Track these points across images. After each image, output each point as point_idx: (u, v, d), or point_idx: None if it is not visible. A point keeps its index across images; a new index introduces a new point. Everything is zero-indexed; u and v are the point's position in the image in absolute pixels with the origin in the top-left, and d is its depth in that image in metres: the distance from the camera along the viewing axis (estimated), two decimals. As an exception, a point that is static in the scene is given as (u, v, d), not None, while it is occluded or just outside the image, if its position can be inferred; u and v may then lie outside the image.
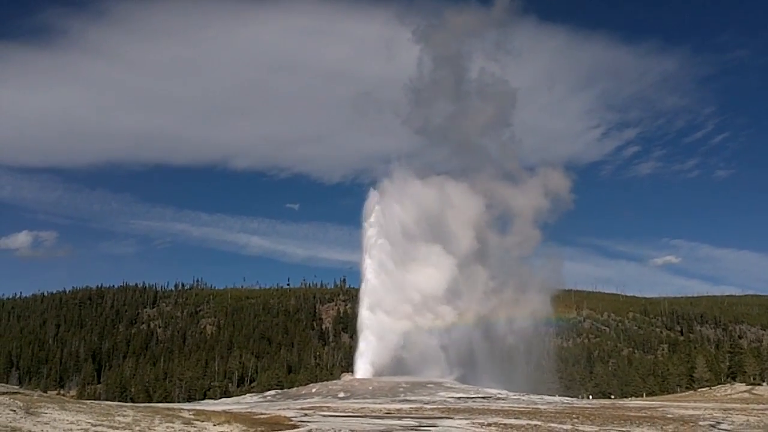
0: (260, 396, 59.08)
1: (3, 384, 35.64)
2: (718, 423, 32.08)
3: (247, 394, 68.31)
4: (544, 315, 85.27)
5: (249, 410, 35.71)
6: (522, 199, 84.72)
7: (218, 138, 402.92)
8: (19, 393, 26.11)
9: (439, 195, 78.27)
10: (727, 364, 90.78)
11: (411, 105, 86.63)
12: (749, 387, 67.74)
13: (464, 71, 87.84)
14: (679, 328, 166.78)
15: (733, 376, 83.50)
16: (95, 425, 20.46)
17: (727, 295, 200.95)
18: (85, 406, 25.16)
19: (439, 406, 39.98)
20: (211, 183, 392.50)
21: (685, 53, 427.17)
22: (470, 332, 77.22)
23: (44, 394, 31.78)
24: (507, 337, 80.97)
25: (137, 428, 21.16)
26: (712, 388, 71.56)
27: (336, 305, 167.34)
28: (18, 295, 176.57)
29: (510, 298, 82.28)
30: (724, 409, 39.65)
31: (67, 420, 20.61)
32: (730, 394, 62.43)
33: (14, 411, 20.52)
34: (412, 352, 69.41)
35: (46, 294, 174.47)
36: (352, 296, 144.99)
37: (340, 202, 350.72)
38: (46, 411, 21.50)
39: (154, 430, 21.40)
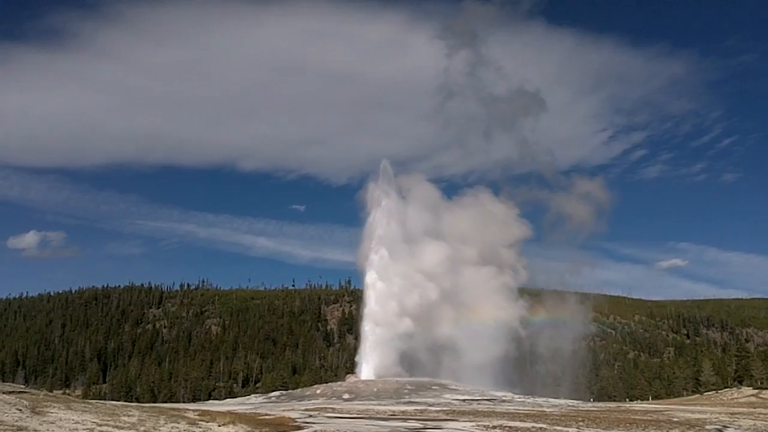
0: (265, 397, 59.12)
1: (9, 383, 35.72)
2: (725, 427, 31.93)
3: (252, 395, 68.37)
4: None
5: (254, 411, 35.72)
6: (569, 207, 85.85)
7: (225, 139, 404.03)
8: (25, 392, 26.16)
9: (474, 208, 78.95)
10: (734, 367, 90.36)
11: (435, 102, 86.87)
12: (756, 391, 67.43)
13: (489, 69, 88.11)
14: (686, 332, 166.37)
15: (740, 380, 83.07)
16: (101, 425, 20.47)
17: (734, 299, 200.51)
18: (90, 406, 25.20)
19: (444, 408, 39.92)
20: (219, 184, 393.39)
21: (692, 57, 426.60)
22: (475, 334, 77.27)
23: (50, 394, 31.85)
24: (523, 340, 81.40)
25: (142, 428, 21.17)
26: (719, 391, 71.29)
27: (341, 306, 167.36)
28: (24, 295, 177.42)
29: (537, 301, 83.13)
30: (731, 413, 39.47)
31: (73, 420, 20.63)
32: (737, 398, 62.19)
33: (20, 410, 20.55)
34: (415, 353, 69.44)
35: (52, 294, 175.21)
36: (357, 297, 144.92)
37: (346, 203, 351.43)
38: (51, 410, 21.53)
39: (159, 430, 21.41)
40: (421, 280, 71.95)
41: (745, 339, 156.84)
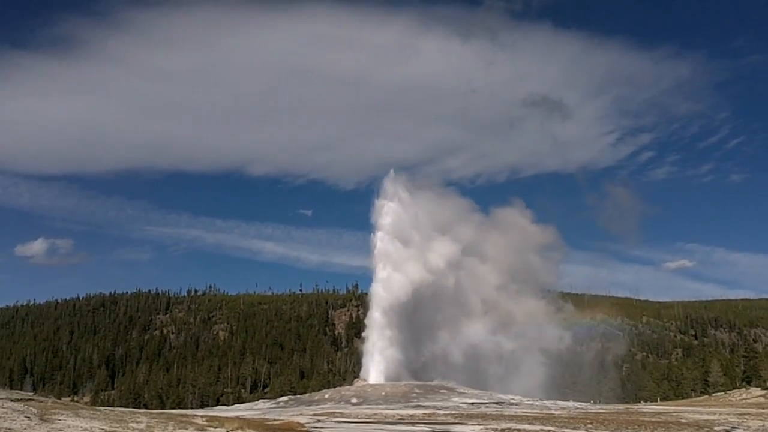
0: (273, 402, 59.10)
1: (17, 390, 35.82)
2: (734, 428, 31.82)
3: (260, 400, 68.32)
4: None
5: (262, 416, 35.75)
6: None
7: (234, 145, 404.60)
8: (33, 399, 26.23)
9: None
10: (742, 368, 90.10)
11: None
12: (765, 391, 67.00)
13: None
14: (693, 333, 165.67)
15: (748, 381, 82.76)
16: (109, 432, 20.53)
17: (742, 299, 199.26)
18: (98, 413, 25.25)
19: (452, 412, 39.88)
20: (227, 190, 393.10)
21: (700, 59, 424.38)
22: (483, 337, 77.28)
23: (58, 401, 31.93)
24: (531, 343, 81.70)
25: (151, 435, 21.21)
26: (727, 392, 70.94)
27: (348, 311, 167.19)
28: (32, 302, 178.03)
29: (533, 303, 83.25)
30: (740, 414, 39.31)
31: (81, 427, 20.68)
32: (745, 399, 61.87)
33: (29, 418, 20.60)
34: (423, 356, 69.47)
35: (59, 301, 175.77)
36: (364, 301, 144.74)
37: (354, 208, 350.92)
38: (60, 417, 21.58)
39: (168, 436, 21.44)
40: (431, 283, 72.05)
41: (753, 339, 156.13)
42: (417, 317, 72.01)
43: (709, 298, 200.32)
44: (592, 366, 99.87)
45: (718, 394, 72.22)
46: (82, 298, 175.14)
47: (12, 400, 23.47)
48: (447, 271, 73.39)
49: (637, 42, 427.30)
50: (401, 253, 71.68)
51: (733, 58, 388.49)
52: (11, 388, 39.28)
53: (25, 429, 19.00)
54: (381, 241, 72.04)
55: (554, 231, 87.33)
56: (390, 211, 73.30)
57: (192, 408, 78.16)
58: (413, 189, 77.02)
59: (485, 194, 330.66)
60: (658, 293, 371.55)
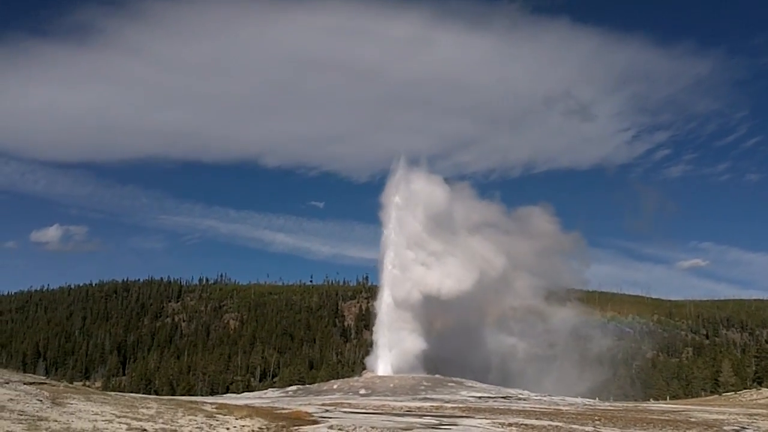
0: (282, 391, 59.41)
1: (30, 374, 36.18)
2: (743, 428, 31.70)
3: (269, 389, 68.68)
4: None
5: (271, 405, 35.93)
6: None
7: (248, 136, 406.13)
8: (46, 383, 26.48)
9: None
10: (754, 368, 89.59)
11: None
12: (775, 392, 66.81)
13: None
14: (705, 332, 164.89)
15: (759, 381, 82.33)
16: (119, 416, 20.71)
17: (755, 299, 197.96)
18: (110, 398, 25.48)
19: (460, 405, 39.95)
20: (241, 180, 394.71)
21: (718, 56, 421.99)
22: (493, 333, 77.52)
23: (70, 385, 32.20)
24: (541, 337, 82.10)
25: (160, 420, 21.39)
26: (738, 392, 70.62)
27: (358, 302, 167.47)
28: (45, 288, 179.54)
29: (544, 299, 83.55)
30: (750, 414, 39.17)
31: (92, 411, 20.88)
32: (756, 399, 61.55)
33: (41, 401, 20.84)
34: (432, 350, 69.42)
35: (72, 287, 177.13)
36: (374, 294, 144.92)
37: (366, 200, 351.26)
38: (71, 401, 21.80)
39: (177, 422, 21.62)
40: (440, 278, 71.89)
41: (766, 340, 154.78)
42: (436, 312, 72.05)
43: (722, 298, 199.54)
44: (601, 363, 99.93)
45: (729, 393, 71.90)
46: (95, 284, 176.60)
47: (25, 383, 23.73)
48: (471, 269, 73.15)
49: (656, 38, 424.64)
50: (413, 250, 71.41)
51: (753, 56, 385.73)
52: (24, 372, 39.66)
53: (37, 412, 19.22)
54: (391, 234, 71.91)
55: (580, 237, 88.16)
56: (403, 194, 72.92)
57: (202, 395, 78.67)
58: (429, 178, 76.94)
59: (499, 190, 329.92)
60: (671, 292, 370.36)
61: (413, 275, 69.78)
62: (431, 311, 71.16)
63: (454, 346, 74.01)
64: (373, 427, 24.37)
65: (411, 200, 72.96)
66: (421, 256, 71.12)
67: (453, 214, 75.69)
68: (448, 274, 69.80)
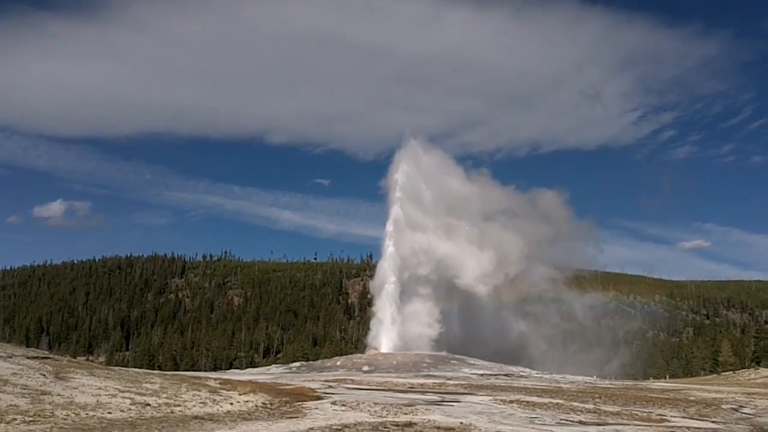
0: (286, 367, 59.81)
1: (33, 348, 36.43)
2: (741, 407, 31.89)
3: (273, 365, 69.13)
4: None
5: (274, 381, 36.20)
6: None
7: (254, 112, 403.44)
8: (49, 358, 26.67)
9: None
10: (752, 348, 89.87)
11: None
12: (774, 372, 67.06)
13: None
14: (705, 312, 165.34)
15: (757, 361, 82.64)
16: (123, 391, 20.89)
17: (755, 280, 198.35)
18: (113, 373, 25.68)
19: (462, 382, 40.22)
20: (246, 157, 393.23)
21: (726, 38, 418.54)
22: (499, 311, 77.92)
23: (73, 360, 32.45)
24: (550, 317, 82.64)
25: (164, 395, 21.57)
26: (736, 372, 70.93)
27: (362, 280, 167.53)
28: (48, 263, 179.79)
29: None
30: (748, 393, 39.37)
31: (96, 386, 21.05)
32: (754, 379, 61.83)
33: (44, 375, 21.01)
34: (433, 328, 69.72)
35: (76, 262, 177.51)
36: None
37: (372, 179, 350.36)
38: (75, 376, 21.97)
39: (181, 397, 21.79)
40: (445, 255, 72.02)
41: (765, 320, 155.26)
42: (444, 292, 72.20)
43: (723, 279, 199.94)
44: (602, 342, 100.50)
45: (727, 373, 72.22)
46: (99, 260, 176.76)
47: (28, 357, 23.91)
48: (483, 252, 73.14)
49: (663, 19, 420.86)
50: (416, 227, 71.40)
51: (760, 38, 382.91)
52: (27, 346, 39.91)
53: (41, 386, 19.39)
54: (396, 210, 71.92)
55: (593, 224, 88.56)
56: (405, 172, 72.88)
57: (205, 371, 79.14)
58: (438, 155, 77.01)
59: (504, 169, 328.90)
60: (672, 272, 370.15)
61: (418, 252, 69.94)
62: (439, 291, 71.35)
63: (465, 327, 74.37)
64: (375, 403, 24.55)
65: (419, 175, 73.04)
66: (428, 236, 71.30)
67: (466, 195, 75.91)
68: (459, 255, 70.15)
